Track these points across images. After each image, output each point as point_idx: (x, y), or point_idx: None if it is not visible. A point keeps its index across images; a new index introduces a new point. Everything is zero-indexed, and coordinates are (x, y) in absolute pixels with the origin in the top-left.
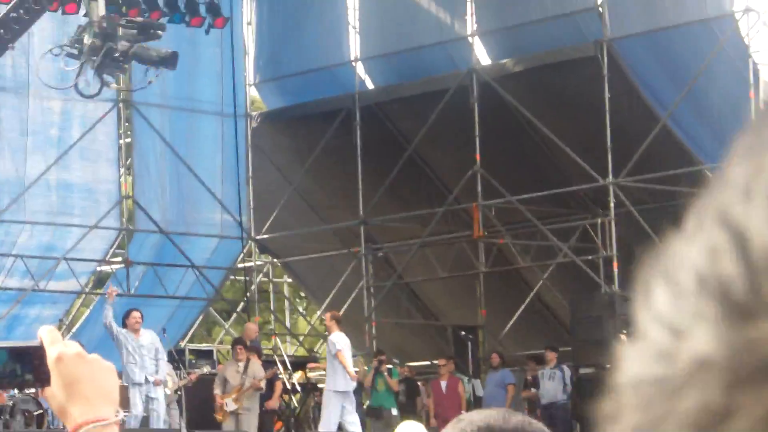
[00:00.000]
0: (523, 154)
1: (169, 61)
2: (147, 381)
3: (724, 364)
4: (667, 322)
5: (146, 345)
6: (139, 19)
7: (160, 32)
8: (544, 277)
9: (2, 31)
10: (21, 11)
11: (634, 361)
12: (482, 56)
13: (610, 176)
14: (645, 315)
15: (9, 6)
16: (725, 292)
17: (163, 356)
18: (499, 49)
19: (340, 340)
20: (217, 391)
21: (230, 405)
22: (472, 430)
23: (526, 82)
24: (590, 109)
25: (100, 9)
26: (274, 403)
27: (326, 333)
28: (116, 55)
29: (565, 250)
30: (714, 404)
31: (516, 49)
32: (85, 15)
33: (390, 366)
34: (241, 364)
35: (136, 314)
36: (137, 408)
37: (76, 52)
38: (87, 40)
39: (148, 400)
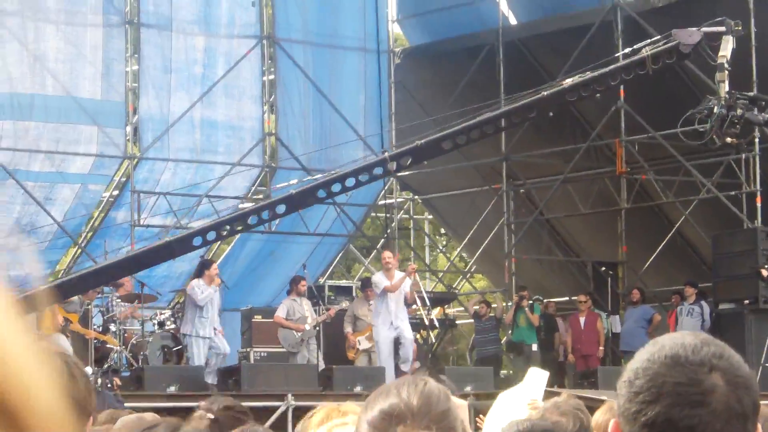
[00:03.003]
0: (667, 90)
1: None
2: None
3: None
4: None
5: (216, 298)
6: (752, 93)
7: (764, 103)
8: (687, 213)
9: None
10: None
11: None
12: None
13: (756, 111)
14: None
15: None
16: None
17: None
18: None
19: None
20: (348, 329)
21: (363, 343)
22: (659, 357)
23: (671, 17)
24: (736, 43)
25: (726, 87)
26: None
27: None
28: (735, 120)
29: (708, 185)
30: None
31: None
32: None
33: (531, 301)
34: (373, 302)
35: (216, 266)
36: (201, 359)
37: (705, 116)
38: (716, 110)
39: (212, 350)
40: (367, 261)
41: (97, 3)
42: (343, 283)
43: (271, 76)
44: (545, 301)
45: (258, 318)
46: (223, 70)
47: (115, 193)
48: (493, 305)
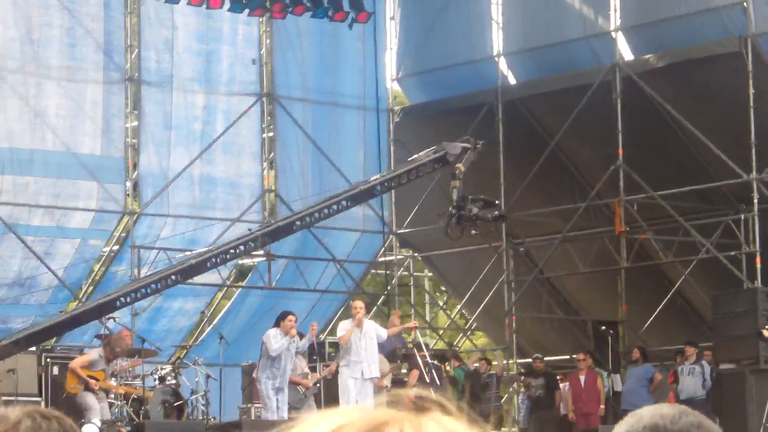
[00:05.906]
0: (666, 150)
1: (500, 219)
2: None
3: None
4: None
5: (292, 349)
6: (481, 196)
7: (497, 202)
8: (686, 272)
9: None
10: None
11: None
12: (625, 51)
13: (754, 172)
14: None
15: None
16: None
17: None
18: (643, 44)
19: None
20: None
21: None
22: (638, 428)
23: (669, 78)
24: (734, 104)
25: (459, 193)
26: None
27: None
28: (470, 215)
29: (708, 245)
30: None
31: (659, 44)
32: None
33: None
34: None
35: (292, 317)
36: (272, 406)
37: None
38: (450, 210)
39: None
40: (368, 317)
41: (98, 59)
42: None
43: (271, 134)
44: (535, 357)
45: None
46: (222, 126)
47: (115, 248)
48: (494, 363)
